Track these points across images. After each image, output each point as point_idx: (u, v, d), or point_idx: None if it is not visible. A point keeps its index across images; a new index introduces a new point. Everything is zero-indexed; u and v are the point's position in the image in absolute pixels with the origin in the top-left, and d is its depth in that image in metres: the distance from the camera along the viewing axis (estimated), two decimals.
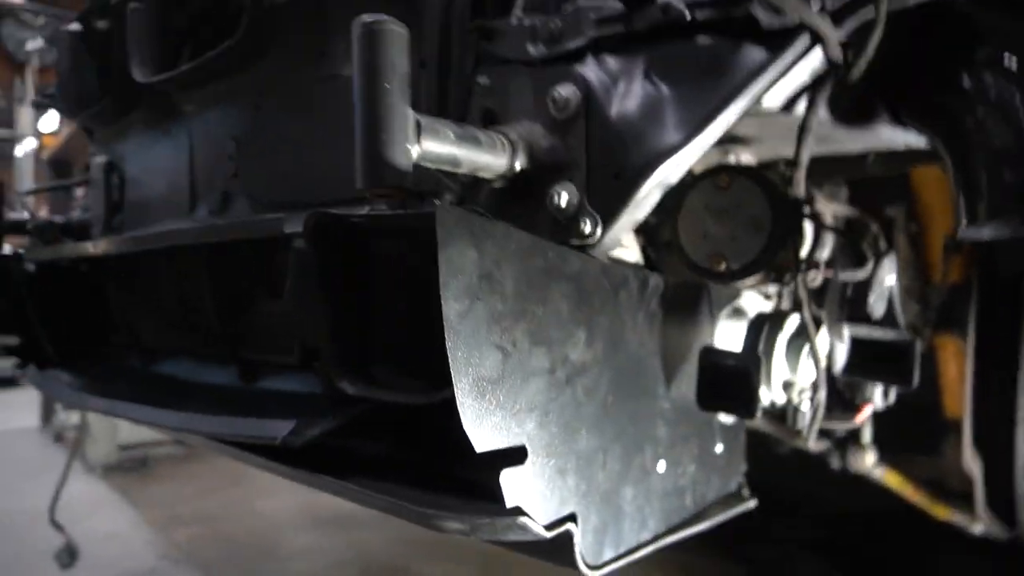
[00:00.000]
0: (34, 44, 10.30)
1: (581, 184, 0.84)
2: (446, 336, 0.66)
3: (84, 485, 3.53)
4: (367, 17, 0.70)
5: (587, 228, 0.83)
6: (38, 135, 9.52)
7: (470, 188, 0.98)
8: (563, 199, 0.84)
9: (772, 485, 1.18)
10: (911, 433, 1.44)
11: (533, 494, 0.76)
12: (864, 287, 0.91)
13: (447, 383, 0.85)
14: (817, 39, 0.75)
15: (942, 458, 1.60)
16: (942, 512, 1.52)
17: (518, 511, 0.74)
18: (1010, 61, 0.85)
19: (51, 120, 11.00)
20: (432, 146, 0.74)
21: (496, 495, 0.78)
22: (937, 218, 1.57)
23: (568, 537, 0.80)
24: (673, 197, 0.99)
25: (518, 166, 0.86)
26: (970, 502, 1.47)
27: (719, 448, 1.17)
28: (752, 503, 1.20)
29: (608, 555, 0.88)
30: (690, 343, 1.07)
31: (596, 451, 0.86)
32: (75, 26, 1.57)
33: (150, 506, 3.23)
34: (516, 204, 0.90)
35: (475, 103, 0.96)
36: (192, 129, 1.30)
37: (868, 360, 0.92)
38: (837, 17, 0.76)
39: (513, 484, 0.73)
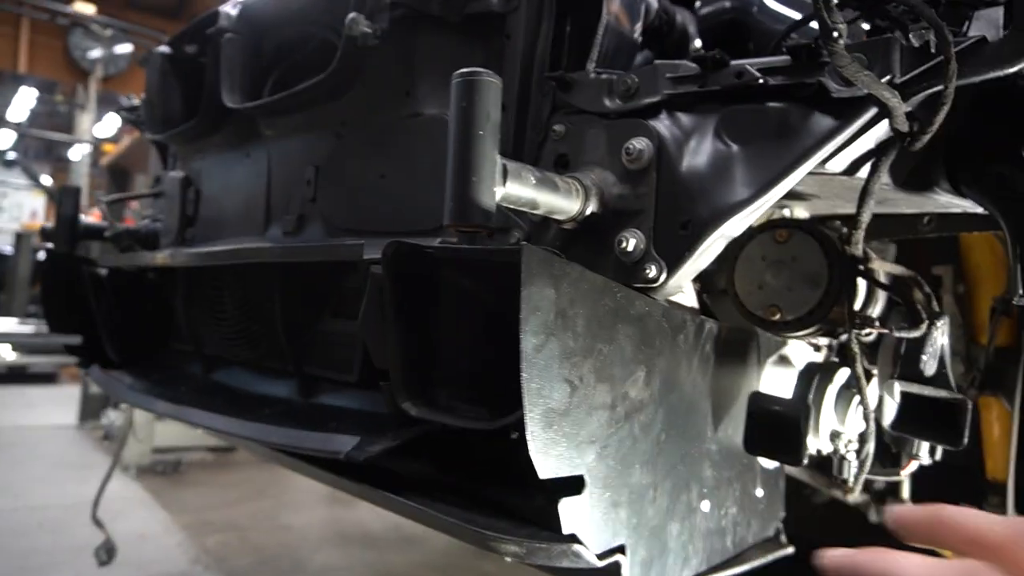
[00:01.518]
0: (96, 54, 10.74)
1: (648, 231, 0.89)
2: (522, 367, 0.70)
3: (118, 484, 3.60)
4: (465, 69, 0.77)
5: (651, 273, 0.87)
6: (95, 141, 9.90)
7: (538, 227, 1.03)
8: (630, 244, 0.89)
9: None
10: (950, 492, 1.44)
11: (587, 523, 0.79)
12: (917, 345, 0.93)
13: (508, 411, 0.90)
14: (884, 110, 0.79)
15: None
16: None
17: (573, 538, 0.77)
18: None
19: (108, 127, 11.37)
20: (515, 189, 0.79)
21: (551, 522, 0.82)
22: (985, 280, 1.58)
23: (617, 568, 0.83)
24: (732, 247, 1.04)
25: (589, 210, 0.90)
26: None
27: (759, 492, 1.20)
28: (790, 550, 1.22)
29: None
30: (738, 388, 1.11)
31: (648, 486, 0.89)
32: (165, 49, 1.68)
33: (181, 510, 3.30)
34: (583, 245, 0.95)
35: (549, 147, 1.02)
36: (272, 153, 1.37)
37: (918, 417, 0.95)
38: (905, 89, 0.80)
39: (570, 512, 0.77)
